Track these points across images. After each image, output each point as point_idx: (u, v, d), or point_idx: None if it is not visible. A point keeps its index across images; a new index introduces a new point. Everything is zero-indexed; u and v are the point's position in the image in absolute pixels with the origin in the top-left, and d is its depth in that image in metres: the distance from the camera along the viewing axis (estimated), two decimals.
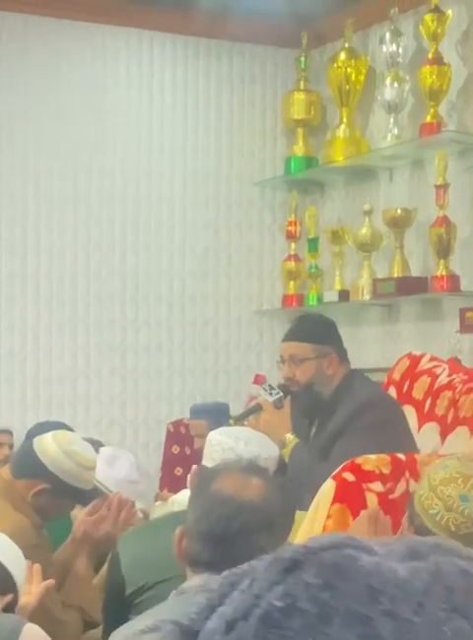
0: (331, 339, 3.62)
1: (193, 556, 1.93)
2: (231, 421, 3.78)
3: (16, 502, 2.78)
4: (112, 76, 5.49)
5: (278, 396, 3.51)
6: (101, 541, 2.89)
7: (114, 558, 2.58)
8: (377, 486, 3.15)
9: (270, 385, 3.59)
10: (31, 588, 2.38)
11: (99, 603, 2.71)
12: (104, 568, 2.86)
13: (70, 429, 4.45)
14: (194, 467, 2.69)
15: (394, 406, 3.69)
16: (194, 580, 1.94)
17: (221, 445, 2.63)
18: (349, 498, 3.10)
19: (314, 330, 3.63)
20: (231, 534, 1.87)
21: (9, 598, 2.23)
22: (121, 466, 3.43)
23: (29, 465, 2.81)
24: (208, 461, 2.63)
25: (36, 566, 2.43)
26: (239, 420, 3.73)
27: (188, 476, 2.70)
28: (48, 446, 2.81)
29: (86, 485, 2.86)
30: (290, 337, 3.65)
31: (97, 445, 4.32)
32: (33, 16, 5.28)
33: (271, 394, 3.52)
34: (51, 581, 2.43)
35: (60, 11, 5.29)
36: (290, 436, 3.48)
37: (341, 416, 3.48)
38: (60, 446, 2.79)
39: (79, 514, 3.07)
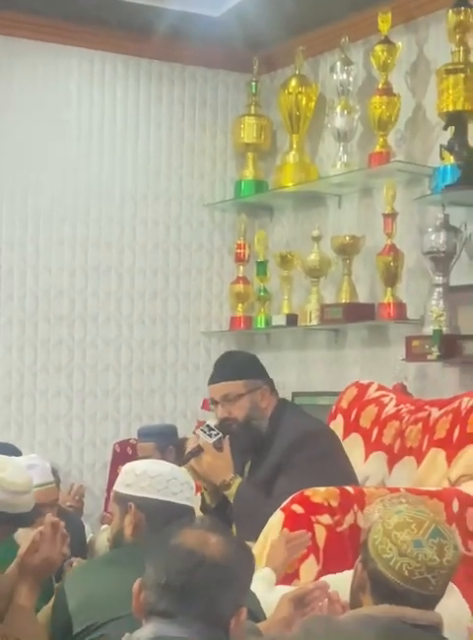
0: (259, 372, 3.60)
1: (150, 606, 1.90)
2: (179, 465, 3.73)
3: None
4: (63, 95, 5.42)
5: (217, 437, 3.45)
6: (40, 567, 2.80)
7: (60, 596, 2.51)
8: (326, 519, 3.14)
9: (209, 426, 3.50)
10: None
11: (41, 637, 2.63)
12: (51, 603, 2.78)
13: (17, 450, 4.39)
14: (130, 505, 2.62)
15: (329, 436, 3.65)
16: (146, 629, 1.90)
17: (162, 475, 2.60)
18: (297, 530, 3.08)
19: (241, 366, 3.59)
20: (190, 587, 1.85)
21: None
22: (35, 473, 3.32)
23: None
24: (151, 493, 2.59)
25: None
26: (182, 464, 3.55)
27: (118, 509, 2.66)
28: None
29: (23, 509, 2.77)
30: (218, 378, 3.58)
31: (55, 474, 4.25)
32: None
33: (211, 435, 3.46)
34: None
35: (11, 29, 5.22)
36: (232, 477, 3.42)
37: (277, 452, 3.44)
38: None
39: (23, 533, 2.99)
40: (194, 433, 3.64)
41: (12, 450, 4.38)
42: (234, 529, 3.29)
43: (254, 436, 3.52)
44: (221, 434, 3.46)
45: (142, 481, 2.61)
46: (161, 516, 2.51)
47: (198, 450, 3.46)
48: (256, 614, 2.43)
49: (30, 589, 2.75)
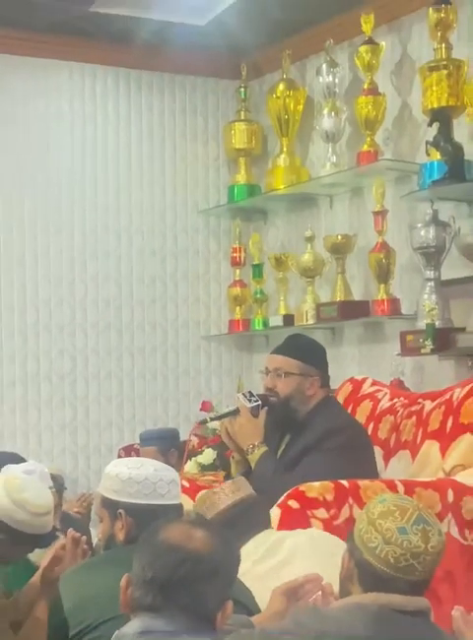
0: (317, 362, 3.63)
1: (136, 601, 1.91)
2: (208, 418, 3.81)
3: None
4: (55, 110, 5.44)
5: (256, 403, 3.54)
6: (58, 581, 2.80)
7: (56, 600, 2.51)
8: (321, 513, 3.14)
9: (250, 392, 3.61)
10: None
11: None
12: None
13: (22, 459, 4.39)
14: (119, 511, 2.62)
15: (360, 433, 3.69)
16: (133, 623, 1.91)
17: (149, 479, 2.59)
18: (294, 525, 3.08)
19: (304, 349, 3.65)
20: (175, 581, 1.86)
21: None
22: (33, 478, 3.32)
23: None
24: (139, 497, 2.58)
25: None
26: (216, 420, 3.79)
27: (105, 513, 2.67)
28: None
29: (43, 530, 2.77)
30: (279, 351, 3.67)
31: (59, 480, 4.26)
32: None
33: (250, 401, 3.55)
34: None
35: (2, 46, 5.23)
36: (259, 443, 3.49)
37: (311, 436, 3.49)
38: (10, 495, 2.69)
39: (39, 553, 2.98)
40: (236, 397, 3.75)
41: (17, 458, 4.40)
42: None
43: (290, 416, 3.57)
44: (259, 402, 3.54)
45: (129, 487, 2.60)
46: (151, 518, 2.50)
47: (235, 411, 3.55)
48: (250, 608, 2.43)
49: (48, 602, 2.74)
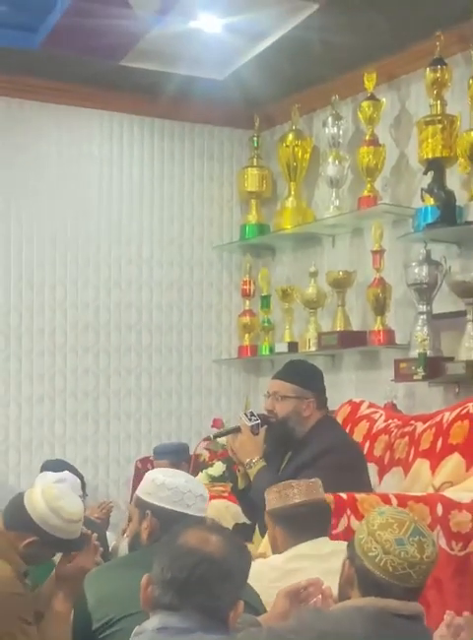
0: (313, 385, 3.58)
1: (155, 600, 1.88)
2: (212, 436, 3.79)
3: (3, 550, 2.66)
4: (86, 153, 5.45)
5: (256, 422, 3.52)
6: (74, 575, 2.77)
7: (81, 595, 2.49)
8: None
9: (251, 412, 3.59)
10: None
11: None
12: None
13: (73, 468, 4.39)
14: (146, 512, 2.60)
15: (355, 452, 3.62)
16: (152, 620, 1.89)
17: (179, 488, 2.57)
18: None
19: (300, 374, 3.60)
20: (191, 581, 1.84)
21: None
22: (65, 486, 3.29)
23: (19, 518, 2.68)
24: (168, 503, 2.56)
25: None
26: (218, 437, 3.79)
27: (139, 514, 2.63)
28: (37, 502, 2.68)
29: (73, 536, 2.74)
30: (278, 376, 3.64)
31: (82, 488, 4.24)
32: (16, 99, 5.25)
33: (250, 420, 3.53)
34: None
35: (40, 95, 5.27)
36: (257, 459, 3.47)
37: (308, 454, 3.45)
38: (47, 503, 2.67)
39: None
40: (239, 416, 3.72)
41: (61, 465, 4.40)
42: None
43: (288, 435, 3.53)
44: (259, 421, 3.52)
45: (160, 492, 2.59)
46: (173, 523, 2.48)
47: (236, 429, 3.54)
48: (256, 608, 2.39)
49: (65, 595, 2.71)
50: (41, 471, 4.56)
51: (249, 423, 3.52)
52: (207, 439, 3.87)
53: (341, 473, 3.34)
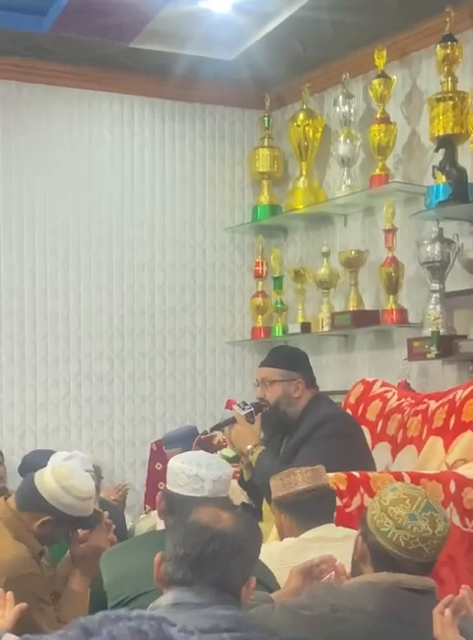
0: (299, 366, 3.63)
1: (169, 576, 1.90)
2: (208, 429, 3.81)
3: (18, 532, 2.69)
4: (97, 136, 5.46)
5: (249, 411, 3.57)
6: (89, 554, 2.80)
7: (97, 574, 2.51)
8: (336, 501, 3.11)
9: (244, 402, 3.65)
10: (4, 613, 2.28)
11: None
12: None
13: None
14: (159, 493, 2.61)
15: (352, 421, 3.70)
16: (166, 596, 1.91)
17: (185, 472, 2.56)
18: None
19: (284, 358, 3.66)
20: (204, 557, 1.86)
21: None
22: (75, 462, 3.30)
23: (31, 499, 2.72)
24: (175, 487, 2.56)
25: (9, 594, 2.33)
26: (215, 430, 3.82)
27: (156, 498, 2.63)
28: (47, 482, 2.71)
29: (85, 513, 2.77)
30: (264, 363, 3.71)
31: (97, 471, 4.25)
32: (27, 84, 5.25)
33: (244, 409, 3.59)
34: (24, 605, 2.30)
35: (50, 79, 5.27)
36: (256, 445, 3.50)
37: (303, 431, 3.49)
38: (58, 482, 2.70)
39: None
40: (233, 407, 3.79)
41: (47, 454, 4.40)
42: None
43: (281, 419, 3.58)
44: (252, 409, 3.58)
45: (169, 477, 2.60)
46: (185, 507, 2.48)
47: (232, 420, 3.59)
48: (270, 585, 2.41)
49: (81, 574, 2.74)
50: (21, 464, 4.54)
51: (243, 412, 3.57)
52: (202, 435, 3.87)
53: (339, 441, 3.39)
